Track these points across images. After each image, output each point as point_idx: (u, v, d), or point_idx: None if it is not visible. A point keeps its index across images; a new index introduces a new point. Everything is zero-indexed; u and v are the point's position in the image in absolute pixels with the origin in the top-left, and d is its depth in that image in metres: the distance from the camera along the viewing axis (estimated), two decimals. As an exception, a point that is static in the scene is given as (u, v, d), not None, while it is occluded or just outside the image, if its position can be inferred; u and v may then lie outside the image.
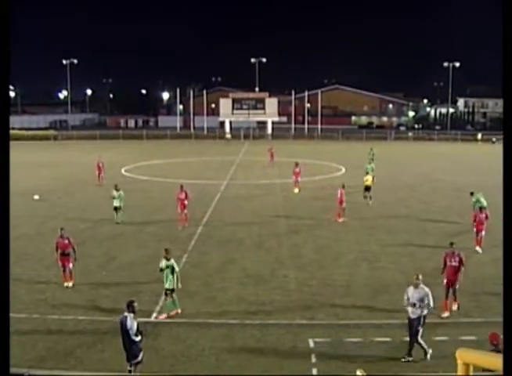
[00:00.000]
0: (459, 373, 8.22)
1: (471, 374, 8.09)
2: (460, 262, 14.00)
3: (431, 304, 11.38)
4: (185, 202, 23.40)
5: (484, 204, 22.89)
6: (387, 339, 12.21)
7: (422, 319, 11.27)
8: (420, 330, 11.23)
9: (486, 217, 20.01)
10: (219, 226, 23.70)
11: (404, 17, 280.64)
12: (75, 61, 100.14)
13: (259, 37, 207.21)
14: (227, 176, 39.42)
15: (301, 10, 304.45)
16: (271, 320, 13.35)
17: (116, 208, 24.32)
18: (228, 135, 79.32)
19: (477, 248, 19.71)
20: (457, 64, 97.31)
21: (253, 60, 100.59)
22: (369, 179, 28.90)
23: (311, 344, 12.02)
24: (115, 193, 24.42)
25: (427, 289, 11.38)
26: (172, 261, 13.63)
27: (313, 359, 11.34)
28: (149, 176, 39.37)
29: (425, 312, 11.29)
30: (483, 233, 19.83)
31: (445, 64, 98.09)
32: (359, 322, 13.17)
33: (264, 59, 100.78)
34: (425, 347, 11.35)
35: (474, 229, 20.14)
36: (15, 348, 10.42)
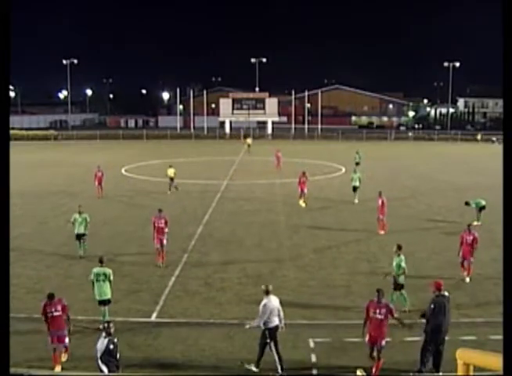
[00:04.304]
0: (459, 373, 8.24)
1: (471, 374, 8.10)
2: (387, 316, 10.88)
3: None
4: (165, 231, 18.09)
5: (483, 203, 23.19)
6: (387, 339, 12.17)
7: None
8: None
9: (474, 240, 16.21)
10: (219, 226, 23.70)
11: (404, 17, 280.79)
12: (75, 61, 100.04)
13: (259, 38, 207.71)
14: (227, 176, 39.41)
15: (301, 10, 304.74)
16: (271, 320, 13.31)
17: (78, 236, 18.77)
18: (250, 140, 61.97)
19: (465, 276, 16.34)
20: (457, 64, 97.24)
21: (253, 60, 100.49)
22: (171, 171, 32.16)
23: (311, 344, 12.03)
24: (77, 216, 18.94)
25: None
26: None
27: (313, 359, 11.35)
28: (149, 176, 39.36)
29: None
30: (471, 259, 16.23)
31: (445, 64, 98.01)
32: (359, 322, 13.12)
33: (264, 59, 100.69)
34: (259, 358, 10.89)
35: (460, 254, 16.34)
36: (15, 348, 10.41)
